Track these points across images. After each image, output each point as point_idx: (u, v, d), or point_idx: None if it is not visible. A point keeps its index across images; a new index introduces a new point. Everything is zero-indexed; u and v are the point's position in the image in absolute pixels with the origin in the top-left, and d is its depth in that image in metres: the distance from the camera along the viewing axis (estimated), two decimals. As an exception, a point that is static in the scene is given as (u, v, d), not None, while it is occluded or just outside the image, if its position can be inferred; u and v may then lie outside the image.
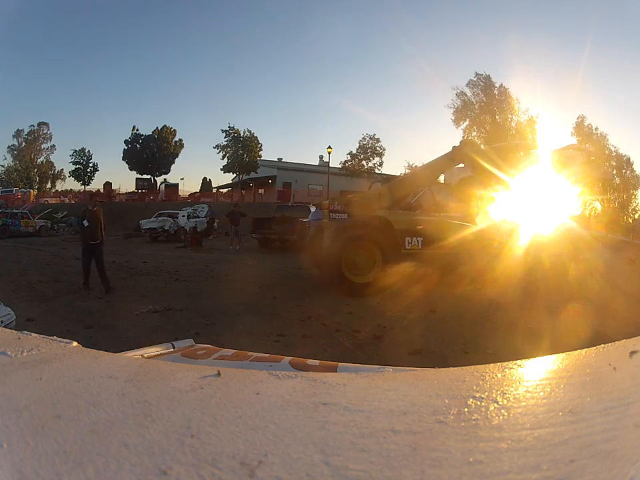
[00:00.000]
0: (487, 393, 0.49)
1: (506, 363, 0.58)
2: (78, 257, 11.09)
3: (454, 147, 7.18)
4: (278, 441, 0.39)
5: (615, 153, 27.87)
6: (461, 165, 7.66)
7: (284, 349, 3.65)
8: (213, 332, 4.34)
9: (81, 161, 35.68)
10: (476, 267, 6.28)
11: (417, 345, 3.88)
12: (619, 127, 54.78)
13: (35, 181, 37.61)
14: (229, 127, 31.59)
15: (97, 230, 6.44)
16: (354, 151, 31.35)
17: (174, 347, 1.27)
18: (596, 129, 28.12)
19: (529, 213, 6.79)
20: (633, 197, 28.58)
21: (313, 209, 13.70)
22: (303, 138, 60.34)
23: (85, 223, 6.48)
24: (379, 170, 31.63)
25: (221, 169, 32.45)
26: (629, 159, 28.20)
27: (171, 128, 36.03)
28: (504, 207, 7.00)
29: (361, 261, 6.29)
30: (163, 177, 36.47)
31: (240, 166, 31.58)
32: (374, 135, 31.37)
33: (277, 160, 34.76)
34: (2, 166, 36.43)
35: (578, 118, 28.18)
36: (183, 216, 17.21)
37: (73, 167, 35.75)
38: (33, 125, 37.27)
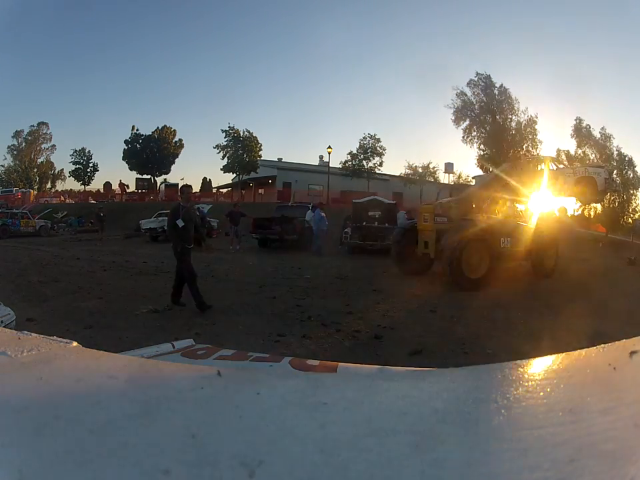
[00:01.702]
0: (487, 393, 0.49)
1: (506, 363, 0.58)
2: (78, 257, 11.14)
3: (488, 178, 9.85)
4: (278, 440, 0.39)
5: (617, 152, 27.79)
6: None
7: (284, 349, 3.65)
8: (213, 332, 4.33)
9: (81, 161, 35.57)
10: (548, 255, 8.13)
11: (416, 345, 3.88)
12: (618, 127, 54.78)
13: (35, 180, 37.49)
14: (228, 127, 31.49)
15: (192, 232, 5.55)
16: (354, 151, 31.35)
17: (174, 347, 1.27)
18: (602, 128, 27.99)
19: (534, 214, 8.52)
20: (633, 197, 28.51)
21: (310, 208, 13.83)
22: (303, 138, 60.27)
23: (180, 223, 5.33)
24: (379, 170, 31.62)
25: (221, 169, 32.32)
26: (631, 159, 28.13)
27: (171, 128, 35.91)
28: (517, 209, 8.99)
29: (474, 259, 7.16)
30: (163, 176, 36.35)
31: (240, 166, 31.50)
32: (374, 134, 31.34)
33: (277, 160, 34.68)
34: (2, 166, 36.39)
35: (575, 119, 28.11)
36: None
37: (73, 167, 35.66)
38: (32, 125, 37.10)
